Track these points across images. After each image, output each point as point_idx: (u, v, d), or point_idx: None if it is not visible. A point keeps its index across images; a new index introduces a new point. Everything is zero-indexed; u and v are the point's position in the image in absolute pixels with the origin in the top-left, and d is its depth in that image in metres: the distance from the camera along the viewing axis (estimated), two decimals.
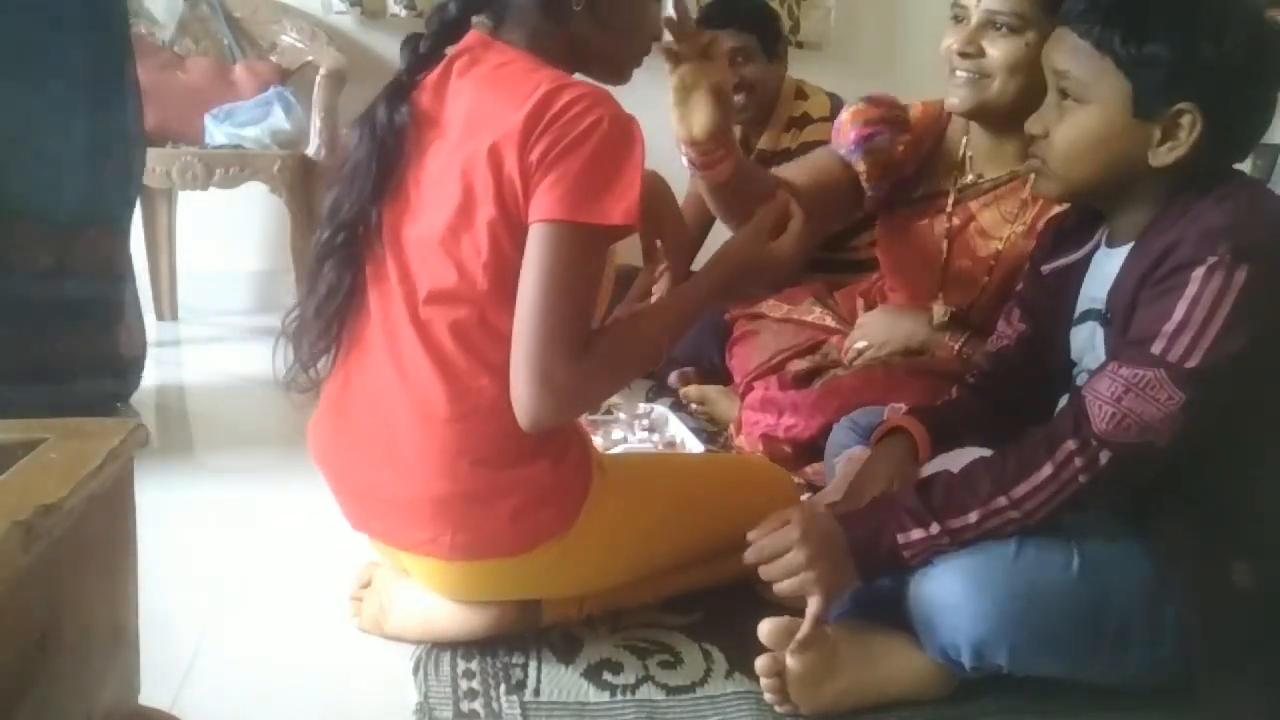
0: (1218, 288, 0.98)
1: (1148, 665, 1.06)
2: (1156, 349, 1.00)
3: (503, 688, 1.13)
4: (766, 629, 1.10)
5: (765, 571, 1.10)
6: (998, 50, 1.42)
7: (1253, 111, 1.08)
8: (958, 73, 1.46)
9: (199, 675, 1.17)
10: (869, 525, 1.08)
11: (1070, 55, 1.09)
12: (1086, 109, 1.08)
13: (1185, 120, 1.04)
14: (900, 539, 1.06)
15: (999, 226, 1.58)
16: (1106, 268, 1.14)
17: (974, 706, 1.12)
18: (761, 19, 2.43)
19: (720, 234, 2.74)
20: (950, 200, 1.62)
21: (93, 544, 0.76)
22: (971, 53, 1.43)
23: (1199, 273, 0.99)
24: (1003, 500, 1.03)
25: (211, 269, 3.13)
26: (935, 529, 1.05)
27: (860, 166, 1.66)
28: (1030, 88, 1.32)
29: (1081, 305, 1.19)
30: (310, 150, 2.70)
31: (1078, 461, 1.02)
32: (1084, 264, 1.20)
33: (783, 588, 1.09)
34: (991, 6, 1.41)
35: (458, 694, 1.12)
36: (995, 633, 1.03)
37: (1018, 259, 1.49)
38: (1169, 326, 1.00)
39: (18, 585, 0.62)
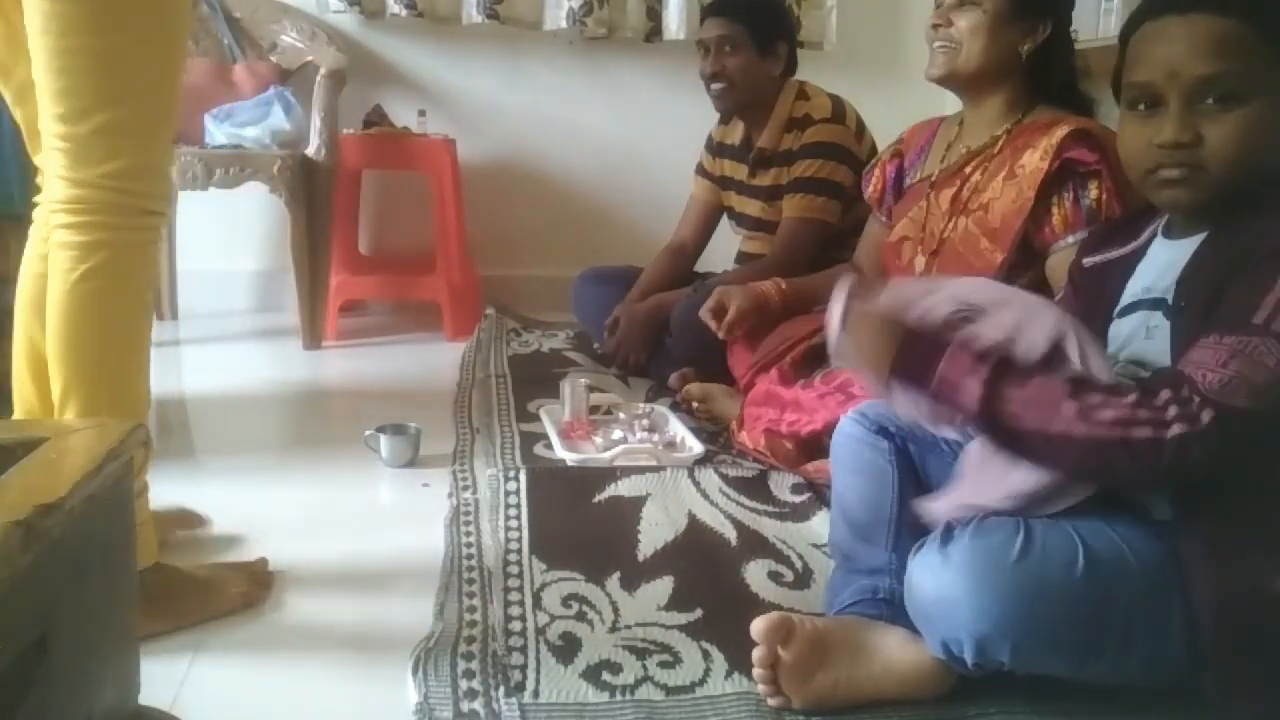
0: None
1: (1151, 666, 1.05)
2: (1259, 319, 0.97)
3: (502, 689, 1.13)
4: (760, 626, 1.11)
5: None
6: (964, 21, 1.67)
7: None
8: (935, 44, 1.71)
9: (199, 675, 1.17)
10: (930, 338, 1.07)
11: (1218, 49, 1.03)
12: (1246, 107, 1.03)
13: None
14: (949, 352, 1.04)
15: (987, 185, 1.71)
16: (1164, 258, 1.13)
17: (973, 706, 1.12)
18: (758, 13, 2.43)
19: (721, 235, 2.75)
20: (935, 173, 1.82)
21: (93, 544, 0.76)
22: (942, 24, 1.69)
23: None
24: (1066, 390, 0.98)
25: (211, 269, 3.14)
26: (984, 370, 1.01)
27: (879, 218, 1.99)
28: (990, 51, 1.66)
29: (1129, 298, 1.19)
30: (310, 150, 2.70)
31: (1172, 410, 0.95)
32: (1133, 258, 1.19)
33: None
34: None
35: (458, 694, 1.12)
36: (998, 629, 1.02)
37: (1010, 212, 1.64)
38: (1271, 298, 0.96)
39: (18, 585, 0.62)
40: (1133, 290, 1.18)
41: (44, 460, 0.74)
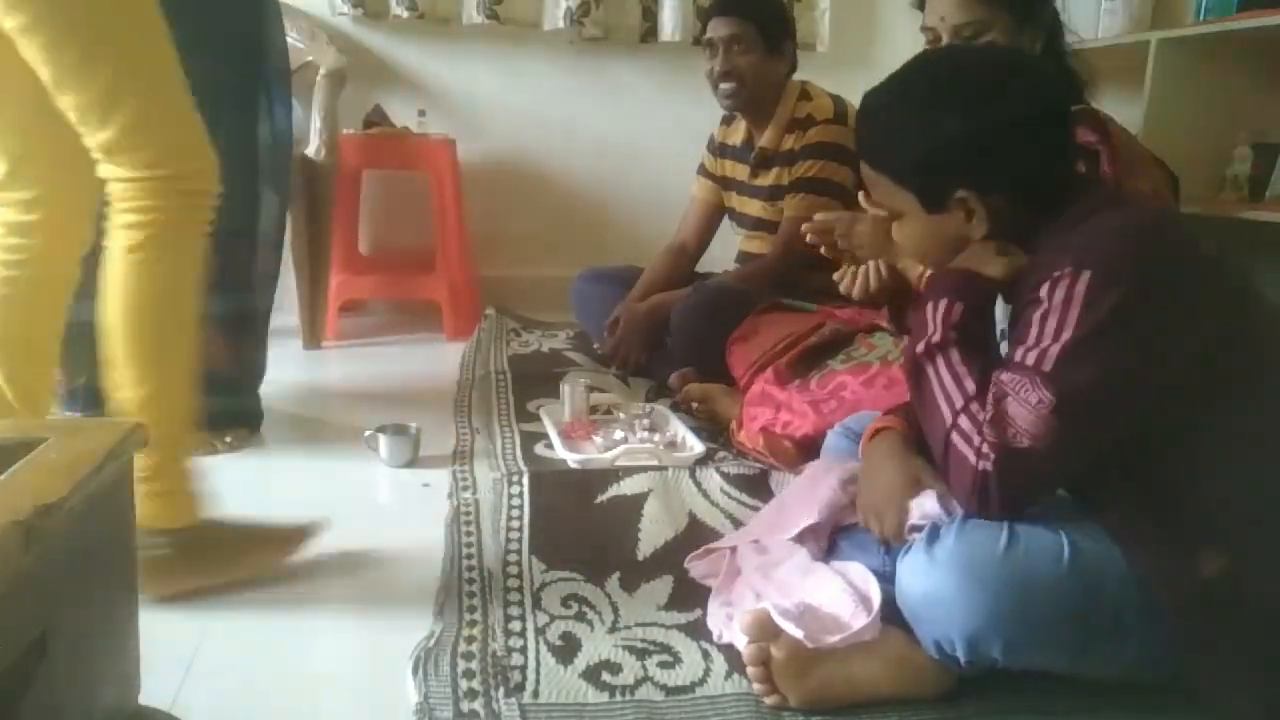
0: (1062, 297, 1.03)
1: (1144, 657, 1.06)
2: (1018, 356, 1.05)
3: (502, 690, 1.13)
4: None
5: None
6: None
7: (1046, 156, 1.15)
8: None
9: (199, 675, 1.17)
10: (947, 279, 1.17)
11: (870, 184, 1.22)
12: (902, 220, 1.20)
13: (970, 202, 1.14)
14: (943, 299, 1.14)
15: None
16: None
17: (972, 706, 1.12)
18: (766, 10, 2.43)
19: (721, 238, 2.75)
20: None
21: (93, 544, 0.76)
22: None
23: (1045, 287, 1.04)
24: (963, 402, 1.08)
25: None
26: (938, 335, 1.12)
27: None
28: None
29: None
30: (310, 150, 2.69)
31: (983, 466, 1.04)
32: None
33: None
34: (956, 21, 1.62)
35: (458, 694, 1.12)
36: (988, 626, 1.03)
37: None
38: (1029, 339, 1.05)
39: (18, 585, 0.62)
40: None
41: (44, 460, 0.74)
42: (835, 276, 1.46)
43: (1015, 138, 1.12)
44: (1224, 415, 1.05)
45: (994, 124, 1.11)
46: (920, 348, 1.13)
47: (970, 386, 1.08)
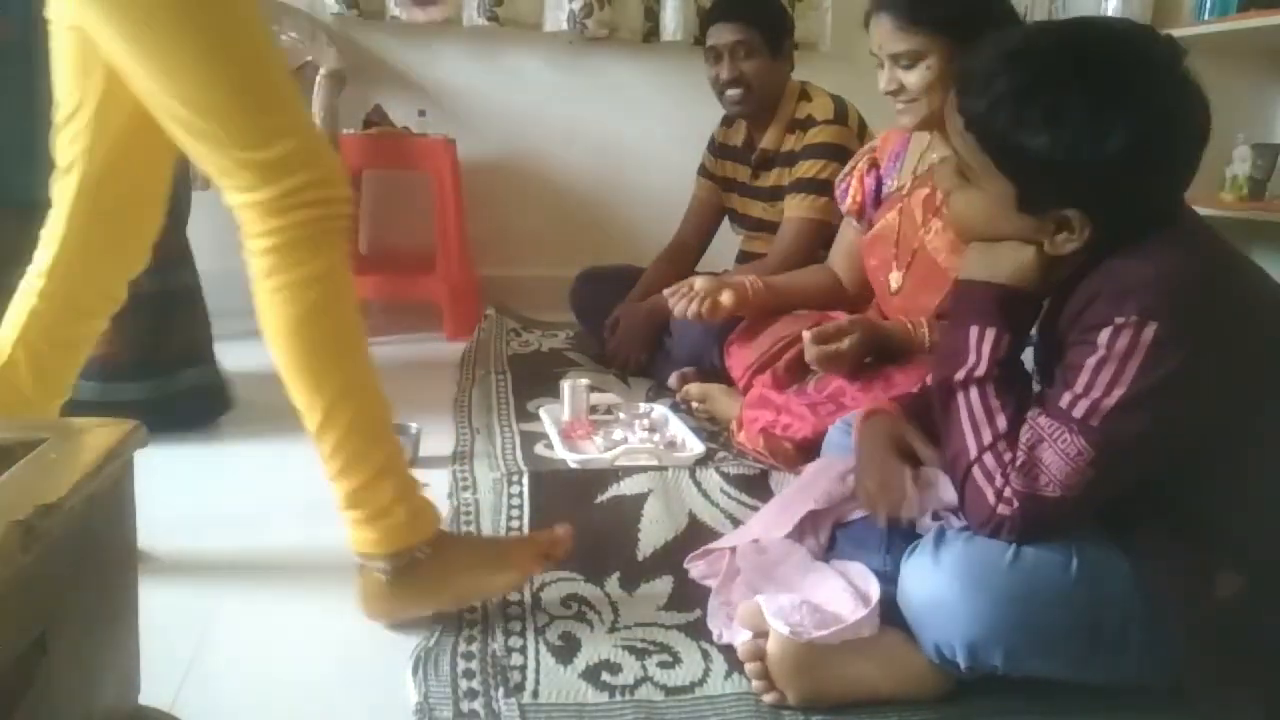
0: (1125, 347, 0.97)
1: (1146, 668, 1.06)
2: (1064, 402, 1.01)
3: (501, 690, 1.13)
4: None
5: None
6: (911, 79, 1.68)
7: (1153, 195, 1.03)
8: (896, 103, 1.72)
9: (199, 675, 1.17)
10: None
11: (960, 140, 1.08)
12: (978, 190, 1.09)
13: (1074, 222, 1.03)
14: (974, 332, 1.09)
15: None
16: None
17: (972, 707, 1.12)
18: (769, 14, 2.42)
19: (721, 238, 2.75)
20: (908, 185, 1.85)
21: (93, 544, 0.76)
22: (894, 89, 1.70)
23: (1105, 334, 0.98)
24: (990, 439, 1.05)
25: (212, 269, 3.13)
26: (981, 369, 1.08)
27: (854, 223, 2.01)
28: (945, 94, 1.58)
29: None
30: None
31: (1005, 493, 1.03)
32: None
33: None
34: (892, 51, 1.69)
35: (458, 694, 1.12)
36: (990, 634, 1.03)
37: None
38: (1078, 385, 1.00)
39: (18, 585, 0.62)
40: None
41: (44, 460, 0.74)
42: (666, 293, 1.55)
43: (1161, 171, 1.01)
44: (1245, 439, 1.04)
45: (1149, 156, 0.98)
46: (960, 375, 1.08)
47: (1001, 424, 1.05)
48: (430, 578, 1.24)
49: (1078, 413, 1.00)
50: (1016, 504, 1.01)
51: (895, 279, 1.85)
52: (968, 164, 1.08)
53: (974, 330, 1.09)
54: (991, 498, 1.03)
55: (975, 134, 1.04)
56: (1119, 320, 0.98)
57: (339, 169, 1.22)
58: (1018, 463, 1.02)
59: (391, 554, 1.23)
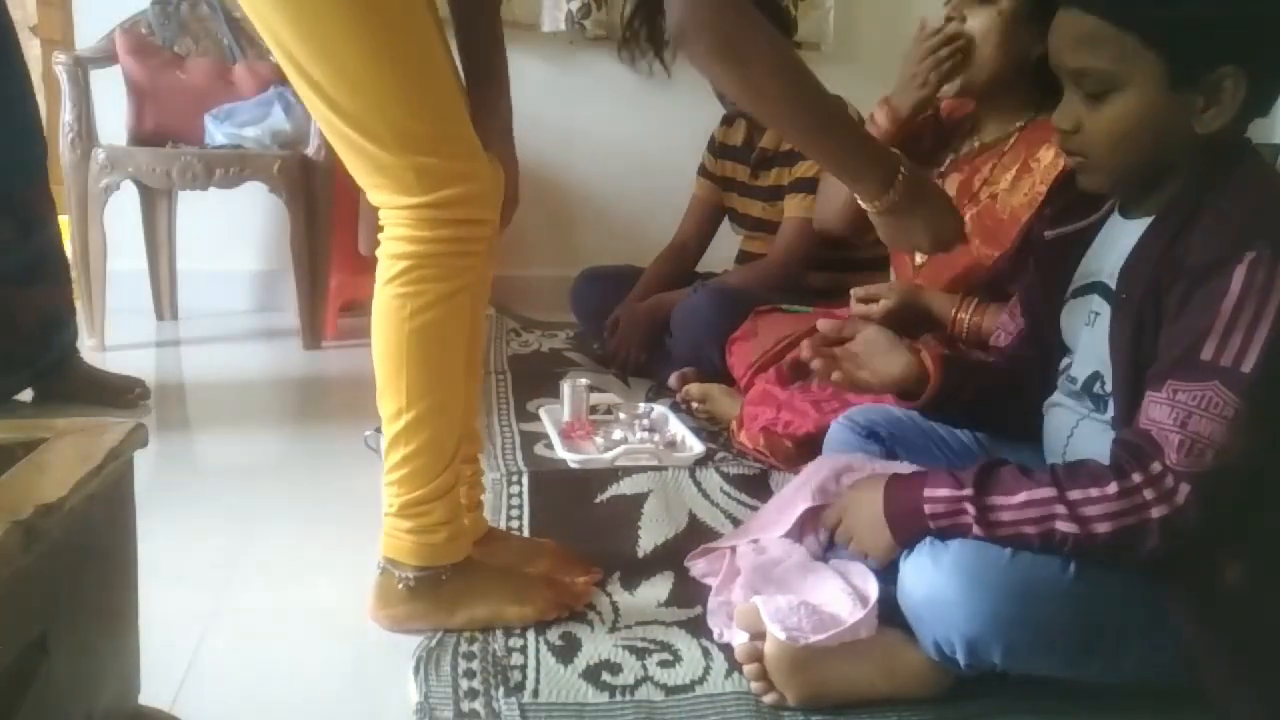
0: (1263, 283, 0.94)
1: (1146, 667, 1.05)
2: (1206, 354, 0.95)
3: (502, 689, 1.13)
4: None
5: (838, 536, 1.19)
6: (975, 20, 1.63)
7: None
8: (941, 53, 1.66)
9: (199, 675, 1.17)
10: (906, 484, 1.09)
11: (1085, 45, 1.02)
12: (1119, 96, 1.02)
13: (1228, 84, 0.98)
14: (927, 493, 1.05)
15: (999, 178, 1.70)
16: (1121, 241, 1.10)
17: (973, 706, 1.12)
18: (770, 13, 2.41)
19: (721, 238, 2.75)
20: (946, 163, 1.81)
21: (93, 544, 0.76)
22: (955, 16, 1.65)
23: (1239, 270, 0.94)
24: (1054, 494, 0.99)
25: (211, 269, 3.14)
26: (966, 491, 1.02)
27: None
28: (1001, 55, 1.63)
29: (1080, 279, 1.16)
30: (310, 150, 2.69)
31: (1149, 493, 0.96)
32: (1089, 233, 1.16)
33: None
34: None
35: (458, 694, 1.12)
36: (989, 631, 1.02)
37: (1020, 206, 1.62)
38: (1219, 326, 0.95)
39: (18, 585, 0.62)
40: (1084, 271, 1.16)
41: (44, 460, 0.74)
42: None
43: None
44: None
45: None
46: (968, 519, 1.03)
47: (1045, 486, 1.00)
48: (449, 598, 1.24)
49: (1226, 361, 0.94)
50: (1188, 488, 0.94)
51: (918, 257, 1.82)
52: (1100, 72, 1.02)
53: (930, 505, 1.05)
54: (1126, 508, 0.96)
55: (1114, 16, 1.00)
56: (1250, 255, 0.94)
57: (494, 191, 1.20)
58: (1175, 443, 0.94)
59: (420, 567, 1.23)
